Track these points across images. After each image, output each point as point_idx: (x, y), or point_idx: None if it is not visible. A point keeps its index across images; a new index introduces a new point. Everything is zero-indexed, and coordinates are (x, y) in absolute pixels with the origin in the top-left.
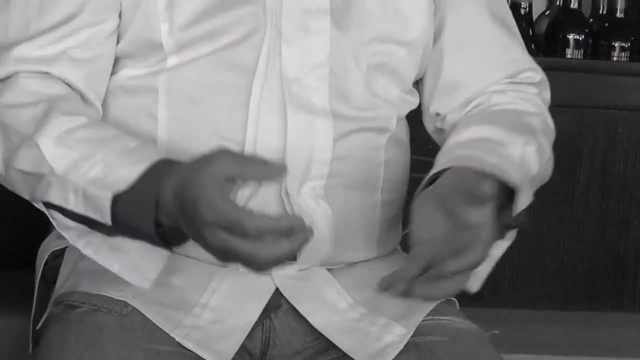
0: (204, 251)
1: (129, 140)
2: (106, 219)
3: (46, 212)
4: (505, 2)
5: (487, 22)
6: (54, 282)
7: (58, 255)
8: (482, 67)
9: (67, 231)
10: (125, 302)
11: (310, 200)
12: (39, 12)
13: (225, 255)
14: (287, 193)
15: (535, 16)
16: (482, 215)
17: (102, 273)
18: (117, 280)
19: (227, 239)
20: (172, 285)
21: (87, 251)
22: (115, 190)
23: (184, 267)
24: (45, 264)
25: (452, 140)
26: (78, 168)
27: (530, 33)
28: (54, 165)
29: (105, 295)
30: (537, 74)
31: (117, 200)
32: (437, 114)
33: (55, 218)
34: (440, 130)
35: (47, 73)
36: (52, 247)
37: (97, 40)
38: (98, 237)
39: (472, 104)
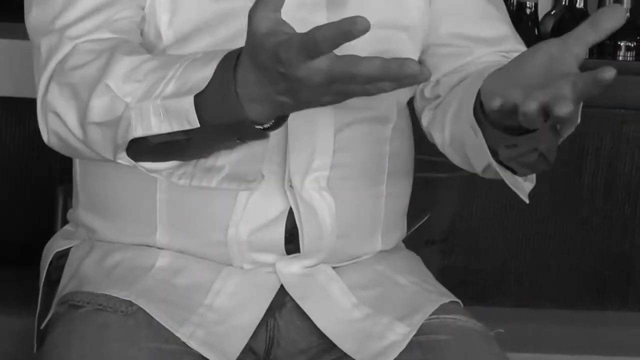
0: (209, 249)
1: (195, 53)
2: (193, 121)
3: (135, 165)
4: None
5: (476, 1)
6: (58, 281)
7: (63, 256)
8: (476, 39)
9: (160, 172)
10: (130, 302)
11: (314, 192)
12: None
13: (332, 84)
14: (290, 185)
15: (541, 16)
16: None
17: (107, 272)
18: (122, 279)
19: (319, 63)
20: (177, 285)
21: (182, 181)
22: (195, 92)
23: (189, 267)
24: (50, 264)
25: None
26: (153, 92)
27: (536, 33)
28: (128, 101)
29: (110, 295)
30: None
31: (199, 102)
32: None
33: (145, 167)
34: (430, 99)
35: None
36: (57, 247)
37: (132, 24)
38: (190, 166)
39: (465, 72)
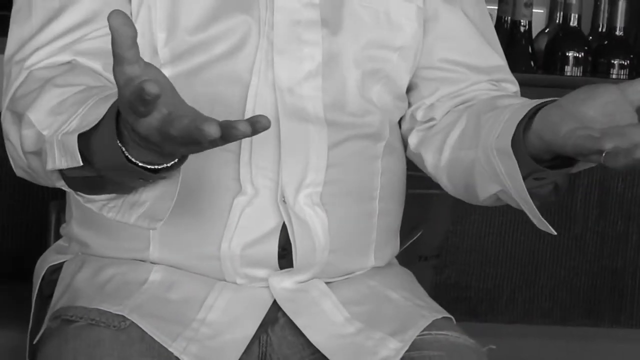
0: (201, 264)
1: (112, 88)
2: (77, 158)
3: (75, 194)
4: (489, 18)
5: (472, 30)
6: (51, 296)
7: (55, 270)
8: (471, 67)
9: (93, 203)
10: (123, 317)
11: (307, 207)
12: (57, 16)
13: (161, 133)
14: (284, 200)
15: (534, 33)
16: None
17: (100, 287)
18: (114, 294)
19: (151, 120)
20: (170, 300)
21: (110, 215)
22: (81, 131)
23: (182, 281)
24: (43, 278)
25: (501, 101)
26: (62, 127)
27: (530, 50)
28: (45, 133)
29: (102, 310)
30: (515, 86)
31: (92, 142)
32: (423, 102)
33: (82, 196)
34: (421, 121)
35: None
36: (50, 262)
37: (105, 43)
38: (120, 200)
39: (461, 99)
